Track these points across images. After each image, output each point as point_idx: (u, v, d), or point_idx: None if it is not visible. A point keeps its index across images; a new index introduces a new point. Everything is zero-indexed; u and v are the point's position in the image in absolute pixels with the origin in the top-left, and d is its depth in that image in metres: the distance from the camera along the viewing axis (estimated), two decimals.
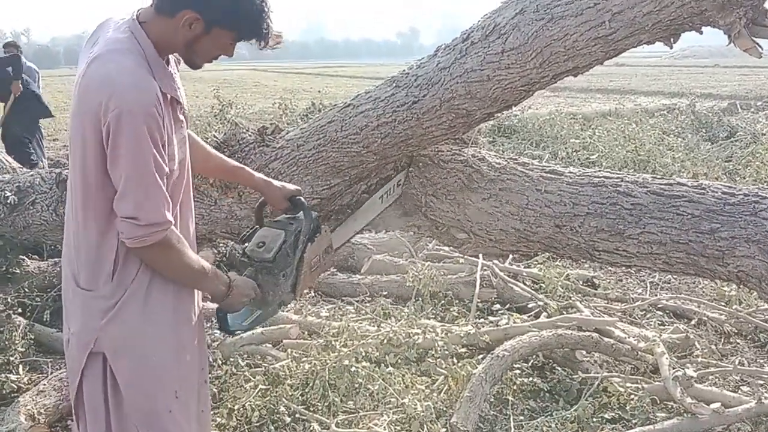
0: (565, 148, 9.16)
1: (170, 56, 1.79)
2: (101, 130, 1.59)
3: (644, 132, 9.32)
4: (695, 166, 7.87)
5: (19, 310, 3.92)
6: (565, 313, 3.96)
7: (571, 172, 2.90)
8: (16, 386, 3.32)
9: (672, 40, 2.31)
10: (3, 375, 3.36)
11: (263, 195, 2.23)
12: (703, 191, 2.58)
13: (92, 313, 1.74)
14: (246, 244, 2.10)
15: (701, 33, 2.28)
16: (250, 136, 3.39)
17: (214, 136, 3.52)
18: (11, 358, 3.48)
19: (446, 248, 5.00)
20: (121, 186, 1.62)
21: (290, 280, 2.08)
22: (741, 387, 3.46)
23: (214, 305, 3.51)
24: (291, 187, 2.23)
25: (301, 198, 2.20)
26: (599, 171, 2.93)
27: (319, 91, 19.87)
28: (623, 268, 4.98)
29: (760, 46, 2.17)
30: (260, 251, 2.03)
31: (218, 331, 3.77)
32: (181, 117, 1.78)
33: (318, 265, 2.21)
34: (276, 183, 2.21)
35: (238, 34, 1.75)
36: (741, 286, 2.53)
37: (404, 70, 2.87)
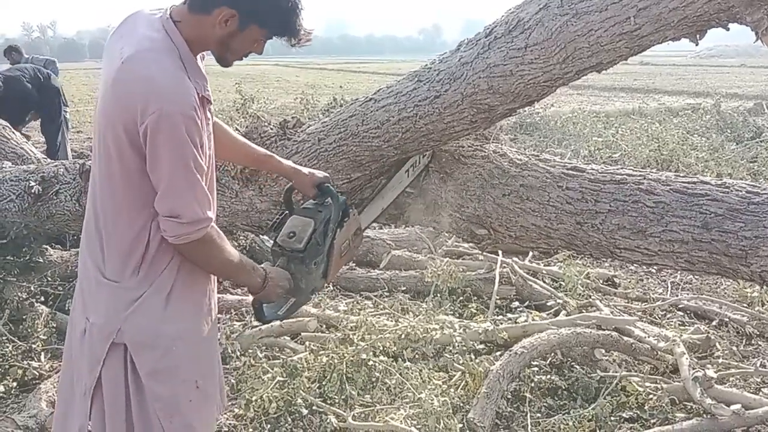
0: (588, 146, 9.10)
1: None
2: (138, 130, 1.61)
3: (668, 131, 9.22)
4: (719, 166, 7.77)
5: (42, 299, 3.98)
6: (584, 311, 3.94)
7: (593, 169, 2.88)
8: (37, 373, 3.37)
9: (698, 36, 2.28)
10: (25, 362, 3.41)
11: (293, 183, 2.26)
12: (726, 190, 2.56)
13: (117, 304, 1.76)
14: (277, 233, 2.15)
15: (728, 29, 2.25)
16: (271, 129, 3.41)
17: (236, 129, 3.54)
18: (33, 346, 3.54)
19: (466, 245, 5.00)
20: (162, 187, 1.65)
21: (321, 267, 2.14)
22: (762, 389, 3.41)
23: (234, 298, 3.56)
24: (319, 174, 2.26)
25: (329, 185, 2.23)
26: (621, 168, 2.91)
27: (341, 87, 19.90)
28: (644, 266, 4.95)
29: None
30: (291, 241, 2.09)
31: (237, 323, 3.81)
32: (209, 114, 1.80)
33: (348, 249, 2.27)
34: (304, 170, 2.25)
35: (271, 31, 1.77)
36: (764, 286, 2.51)
37: (426, 65, 2.87)
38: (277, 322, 3.71)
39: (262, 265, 1.97)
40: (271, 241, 2.18)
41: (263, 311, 2.07)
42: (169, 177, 1.64)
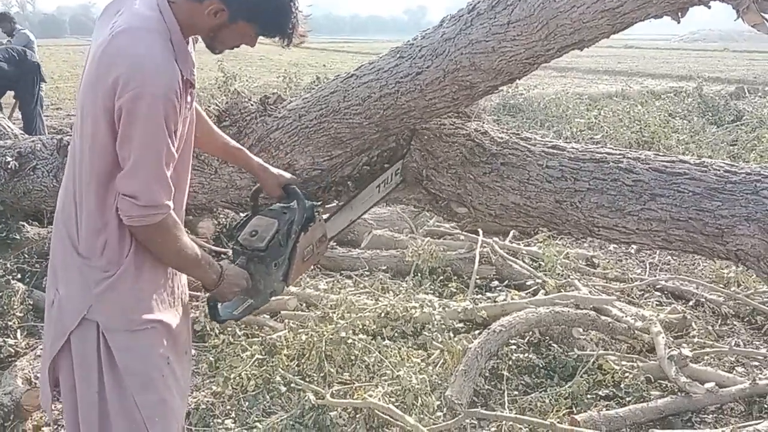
0: (570, 127, 9.14)
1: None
2: (114, 103, 1.59)
3: (650, 114, 9.28)
4: (700, 148, 7.83)
5: (18, 276, 3.93)
6: (563, 291, 3.96)
7: (573, 148, 2.88)
8: (13, 350, 3.33)
9: (680, 14, 2.27)
10: (1, 339, 3.37)
11: (259, 181, 2.24)
12: (705, 169, 2.57)
13: (88, 281, 1.74)
14: (239, 232, 2.11)
15: (709, 7, 2.25)
16: (252, 105, 3.37)
17: (216, 106, 3.50)
18: (9, 323, 3.49)
19: (447, 225, 5.00)
20: (128, 166, 1.62)
21: (282, 269, 2.09)
22: (736, 368, 3.46)
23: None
24: (287, 175, 2.24)
25: (296, 187, 2.20)
26: (602, 147, 2.91)
27: (324, 66, 19.77)
28: (623, 246, 4.99)
29: None
30: (253, 240, 2.04)
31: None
32: (190, 98, 1.78)
33: (311, 254, 2.22)
34: (273, 170, 2.22)
35: (260, 29, 1.77)
36: (739, 264, 2.53)
37: (409, 41, 2.85)
38: None
39: (220, 263, 1.93)
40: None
41: (218, 310, 2.01)
42: (136, 157, 1.62)
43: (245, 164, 2.26)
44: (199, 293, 3.96)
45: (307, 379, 3.10)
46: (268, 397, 3.01)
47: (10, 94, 8.15)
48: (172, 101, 1.61)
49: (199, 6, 1.69)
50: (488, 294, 4.00)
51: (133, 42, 1.61)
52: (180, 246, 1.76)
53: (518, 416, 2.84)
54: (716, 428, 2.89)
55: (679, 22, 2.32)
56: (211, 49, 1.81)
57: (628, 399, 3.07)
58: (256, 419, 2.88)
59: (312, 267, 2.37)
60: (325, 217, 2.40)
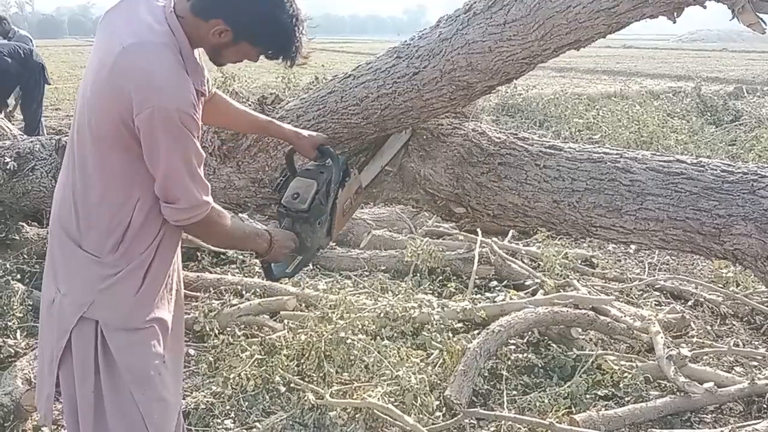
0: (569, 127, 9.15)
1: None
2: (133, 119, 1.63)
3: (648, 114, 9.28)
4: (698, 148, 7.84)
5: (18, 277, 3.93)
6: (562, 291, 3.97)
7: (570, 148, 2.88)
8: (13, 351, 3.34)
9: (675, 14, 2.27)
10: (1, 340, 3.37)
11: (294, 146, 2.33)
12: (702, 169, 2.57)
13: (92, 277, 1.77)
14: (281, 195, 2.24)
15: (705, 7, 2.25)
16: (250, 105, 3.37)
17: None
18: (9, 324, 3.50)
19: (445, 225, 5.01)
20: (160, 177, 1.69)
21: (325, 226, 2.24)
22: (735, 368, 3.47)
23: (212, 276, 3.54)
24: (316, 135, 2.34)
25: (329, 147, 2.31)
26: (599, 147, 2.91)
27: (323, 66, 19.73)
28: (621, 245, 4.99)
29: (764, 22, 2.14)
30: (295, 202, 2.17)
31: (216, 302, 3.79)
32: (201, 106, 1.81)
33: (350, 207, 2.38)
34: (304, 133, 2.32)
35: (263, 51, 1.82)
36: (737, 264, 2.53)
37: (406, 41, 2.85)
38: (256, 300, 3.71)
39: (266, 228, 2.06)
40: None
41: (272, 270, 2.17)
42: (166, 168, 1.68)
43: (279, 134, 2.36)
44: (197, 294, 3.97)
45: (307, 379, 3.10)
46: (267, 397, 3.01)
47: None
48: (188, 113, 1.66)
49: (205, 24, 1.73)
50: (487, 294, 4.01)
51: (145, 57, 1.65)
52: (229, 231, 1.88)
53: (517, 416, 2.84)
54: (715, 428, 2.89)
55: (674, 22, 2.32)
56: (214, 62, 1.87)
57: (627, 399, 3.08)
58: (256, 419, 2.89)
59: (351, 218, 2.58)
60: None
